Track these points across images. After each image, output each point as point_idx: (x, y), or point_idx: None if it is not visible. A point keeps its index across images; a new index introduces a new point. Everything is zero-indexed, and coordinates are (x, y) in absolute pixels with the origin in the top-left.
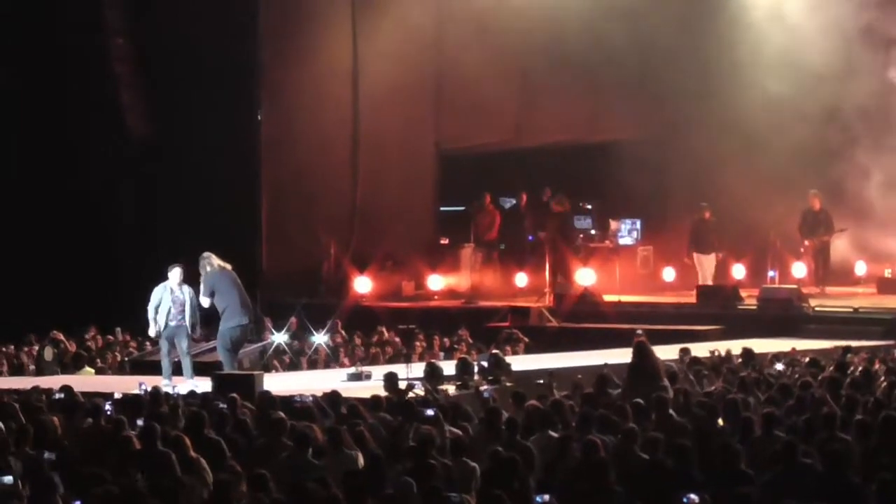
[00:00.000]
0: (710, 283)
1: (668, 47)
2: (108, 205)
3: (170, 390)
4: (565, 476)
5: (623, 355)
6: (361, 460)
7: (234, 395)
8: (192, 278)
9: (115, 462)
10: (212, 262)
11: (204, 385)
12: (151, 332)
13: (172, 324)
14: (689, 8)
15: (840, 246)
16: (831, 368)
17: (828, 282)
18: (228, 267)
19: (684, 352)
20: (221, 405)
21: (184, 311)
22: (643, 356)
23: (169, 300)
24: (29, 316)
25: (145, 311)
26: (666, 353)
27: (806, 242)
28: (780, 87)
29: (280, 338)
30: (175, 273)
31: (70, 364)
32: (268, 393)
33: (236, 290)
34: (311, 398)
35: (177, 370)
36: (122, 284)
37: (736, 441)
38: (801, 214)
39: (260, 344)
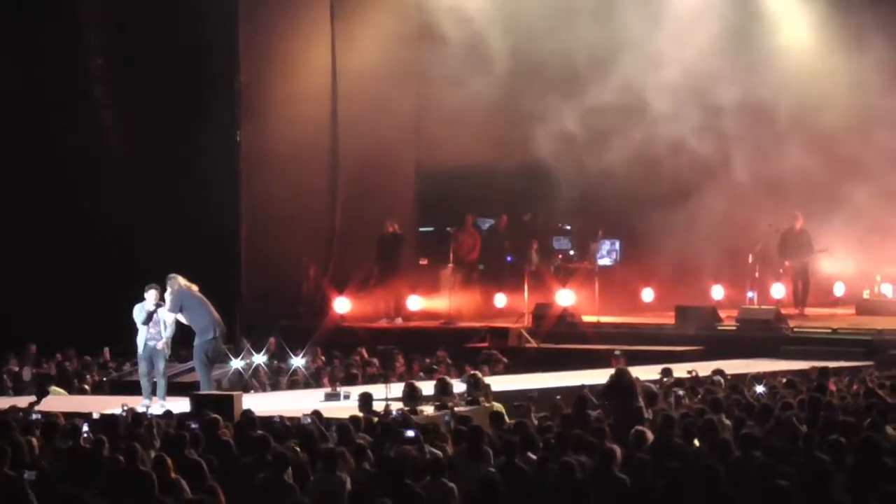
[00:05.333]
0: None
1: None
2: (88, 225)
3: (146, 410)
4: (543, 498)
5: (602, 376)
6: (349, 483)
7: (216, 416)
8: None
9: (94, 483)
10: (179, 282)
11: (181, 405)
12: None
13: (151, 344)
14: None
15: (821, 267)
16: (809, 389)
17: (807, 303)
18: (195, 287)
19: (665, 372)
20: (193, 426)
21: (160, 330)
22: (620, 378)
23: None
24: (9, 337)
25: (131, 332)
26: (645, 374)
27: (786, 263)
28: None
29: (259, 359)
30: (151, 294)
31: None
32: (250, 412)
33: (205, 307)
34: (309, 419)
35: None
36: (104, 305)
37: (716, 462)
38: (782, 234)
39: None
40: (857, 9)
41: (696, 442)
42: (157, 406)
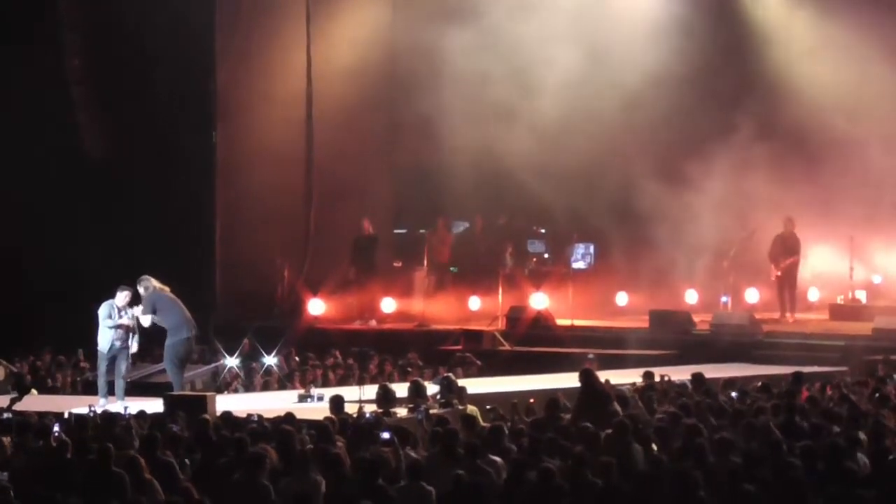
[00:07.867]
0: None
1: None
2: (64, 226)
3: (106, 409)
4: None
5: (575, 380)
6: (324, 486)
7: (206, 416)
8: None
9: (67, 483)
10: (151, 283)
11: (153, 406)
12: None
13: (117, 344)
14: None
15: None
16: (783, 394)
17: (792, 308)
18: (167, 289)
19: (648, 376)
20: (174, 427)
21: (128, 333)
22: (590, 382)
23: (116, 319)
24: None
25: (104, 329)
26: (618, 377)
27: (774, 267)
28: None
29: (231, 361)
30: (122, 295)
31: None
32: (229, 414)
33: (177, 308)
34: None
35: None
36: (79, 306)
37: (690, 467)
38: (774, 238)
39: (212, 365)
40: None
41: (654, 447)
42: (114, 406)
